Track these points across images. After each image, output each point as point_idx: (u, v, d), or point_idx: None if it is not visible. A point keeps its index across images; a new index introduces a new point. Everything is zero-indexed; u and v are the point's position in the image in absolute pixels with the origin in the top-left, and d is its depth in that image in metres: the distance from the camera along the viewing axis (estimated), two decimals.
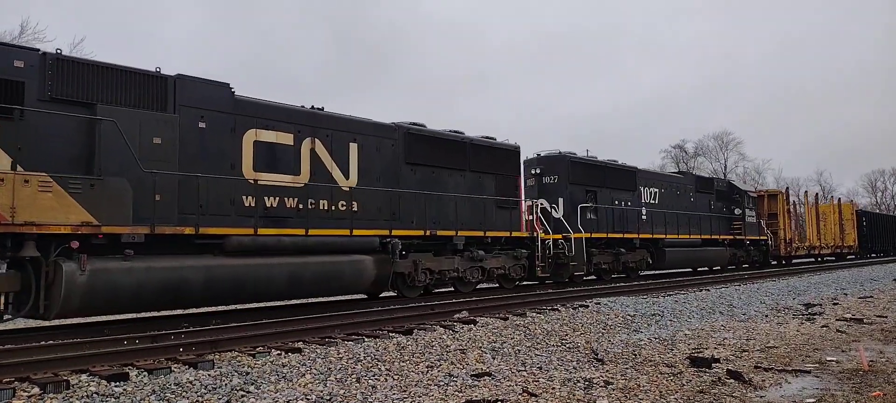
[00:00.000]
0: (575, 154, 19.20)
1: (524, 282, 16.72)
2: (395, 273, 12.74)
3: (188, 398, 5.56)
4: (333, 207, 11.94)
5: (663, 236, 21.21)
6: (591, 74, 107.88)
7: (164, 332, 8.18)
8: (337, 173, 12.29)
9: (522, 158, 18.28)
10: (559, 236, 17.24)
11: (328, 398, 5.68)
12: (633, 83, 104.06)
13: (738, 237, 25.96)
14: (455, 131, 15.32)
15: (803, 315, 12.44)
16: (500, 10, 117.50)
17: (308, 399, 5.60)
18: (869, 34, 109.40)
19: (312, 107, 12.33)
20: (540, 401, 5.81)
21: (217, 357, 7.01)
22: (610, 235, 19.07)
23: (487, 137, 16.13)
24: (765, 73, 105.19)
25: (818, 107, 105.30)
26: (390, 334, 8.61)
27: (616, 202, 19.80)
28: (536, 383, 6.50)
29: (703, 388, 6.39)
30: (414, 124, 14.28)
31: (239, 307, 11.71)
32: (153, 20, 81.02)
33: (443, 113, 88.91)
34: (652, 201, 21.51)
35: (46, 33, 29.85)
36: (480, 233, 14.78)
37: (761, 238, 28.17)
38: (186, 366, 6.55)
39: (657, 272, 22.28)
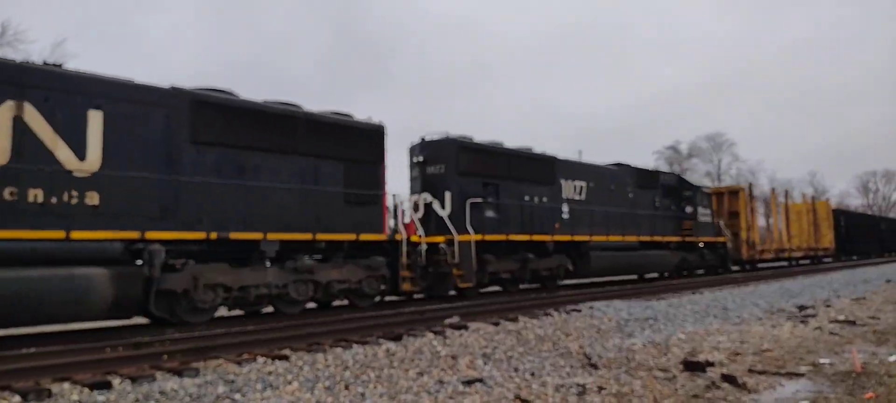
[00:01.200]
0: (470, 138, 15.69)
1: (387, 299, 13.54)
2: (161, 291, 9.68)
3: None
4: (55, 199, 8.72)
5: (588, 238, 17.83)
6: (595, 73, 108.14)
7: (147, 340, 8.05)
8: (64, 152, 8.90)
9: (408, 142, 15.68)
10: (441, 239, 14.10)
11: None
12: (639, 82, 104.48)
13: (688, 239, 22.70)
14: (287, 103, 11.84)
15: (797, 317, 12.41)
16: (503, 7, 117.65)
17: None
18: (879, 37, 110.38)
19: (46, 62, 9.25)
20: None
21: (202, 364, 6.88)
22: (511, 237, 15.63)
23: (339, 113, 12.64)
24: (770, 75, 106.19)
25: (819, 108, 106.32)
26: (379, 340, 8.48)
27: (526, 197, 16.39)
28: (529, 389, 6.40)
29: (697, 392, 6.31)
30: (210, 90, 10.89)
31: (225, 315, 11.55)
32: (141, 19, 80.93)
33: (445, 112, 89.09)
34: (577, 197, 18.15)
35: (28, 34, 29.45)
36: (307, 236, 11.41)
37: (718, 240, 24.88)
38: (171, 374, 6.42)
39: (580, 281, 18.99)
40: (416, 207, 14.44)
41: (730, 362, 7.95)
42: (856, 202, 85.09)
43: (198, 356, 7.20)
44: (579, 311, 11.75)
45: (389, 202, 13.34)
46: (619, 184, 20.30)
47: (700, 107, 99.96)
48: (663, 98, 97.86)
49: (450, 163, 15.04)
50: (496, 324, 9.97)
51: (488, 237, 14.92)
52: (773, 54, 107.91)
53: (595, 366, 7.60)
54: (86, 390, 5.73)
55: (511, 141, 18.22)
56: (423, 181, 15.16)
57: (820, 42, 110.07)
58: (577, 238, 17.54)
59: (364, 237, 12.29)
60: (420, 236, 13.63)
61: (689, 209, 22.97)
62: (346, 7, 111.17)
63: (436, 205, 14.47)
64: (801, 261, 34.72)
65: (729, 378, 6.74)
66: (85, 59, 44.64)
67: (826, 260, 37.44)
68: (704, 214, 23.85)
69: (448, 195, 14.67)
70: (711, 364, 7.50)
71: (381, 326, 9.60)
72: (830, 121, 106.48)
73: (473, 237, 14.34)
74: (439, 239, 14.08)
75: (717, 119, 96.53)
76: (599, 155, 20.66)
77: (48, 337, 9.06)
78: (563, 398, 6.05)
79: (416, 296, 14.23)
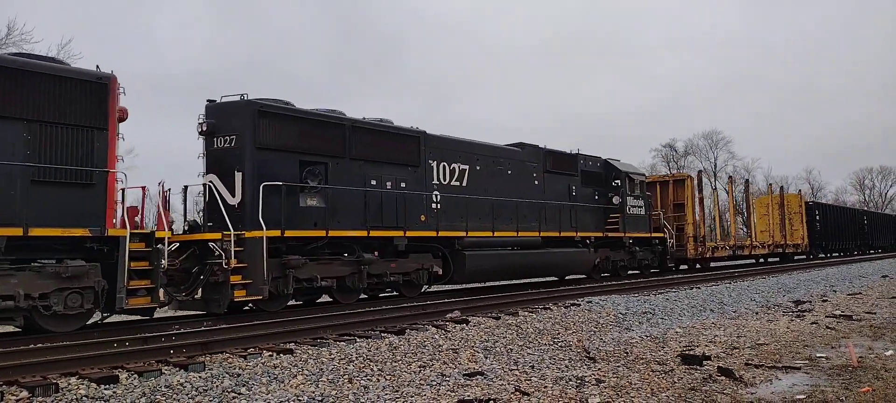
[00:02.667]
0: (285, 102, 12.14)
1: (106, 320, 9.83)
2: None
3: (179, 400, 5.53)
4: None
5: (462, 233, 14.18)
6: (600, 72, 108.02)
7: (154, 334, 8.14)
8: None
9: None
10: (215, 236, 10.57)
11: (320, 398, 5.67)
12: (640, 82, 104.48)
13: (612, 234, 19.20)
14: None
15: (793, 312, 12.53)
16: (509, 5, 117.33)
17: (300, 400, 5.59)
18: (876, 34, 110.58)
19: None
20: (532, 400, 5.82)
21: (208, 358, 7.00)
22: (335, 233, 11.88)
23: (32, 56, 9.49)
24: (769, 74, 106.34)
25: (816, 105, 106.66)
26: (382, 334, 8.61)
27: (373, 182, 12.78)
28: (529, 382, 6.50)
29: (694, 385, 6.41)
30: None
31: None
32: (147, 16, 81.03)
33: (447, 111, 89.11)
34: (454, 182, 14.62)
35: (34, 34, 29.42)
36: None
37: (654, 235, 21.34)
38: (177, 368, 6.53)
39: (454, 287, 15.86)
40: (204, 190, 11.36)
41: (726, 355, 8.05)
42: (852, 198, 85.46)
43: (204, 350, 7.30)
44: (578, 305, 11.88)
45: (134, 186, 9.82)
46: (521, 169, 16.77)
47: (700, 105, 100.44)
48: (667, 97, 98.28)
49: (244, 133, 11.29)
50: (496, 318, 10.09)
51: (291, 232, 11.23)
52: (773, 52, 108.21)
53: (593, 359, 7.71)
54: (93, 384, 5.82)
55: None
56: (210, 157, 11.57)
57: (818, 39, 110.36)
58: (447, 233, 13.90)
59: (37, 232, 8.38)
60: (168, 230, 10.09)
61: (616, 199, 19.57)
62: (354, 6, 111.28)
63: (222, 190, 11.02)
64: (769, 259, 31.80)
65: (726, 372, 6.83)
66: (89, 57, 44.55)
67: (798, 257, 34.18)
68: (636, 206, 20.34)
69: (239, 177, 11.11)
70: (708, 358, 7.60)
71: (383, 321, 9.72)
72: (827, 118, 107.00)
73: (266, 233, 10.62)
74: (214, 235, 10.62)
75: (716, 117, 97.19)
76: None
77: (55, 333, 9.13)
78: (563, 390, 6.14)
79: (158, 314, 10.50)
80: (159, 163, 42.49)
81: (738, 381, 6.58)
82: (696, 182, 25.03)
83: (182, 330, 8.58)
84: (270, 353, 7.24)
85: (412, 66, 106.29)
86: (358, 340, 8.13)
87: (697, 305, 12.99)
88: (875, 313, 12.27)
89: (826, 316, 11.73)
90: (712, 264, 26.33)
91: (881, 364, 7.44)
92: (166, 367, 6.55)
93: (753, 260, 30.73)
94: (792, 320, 11.36)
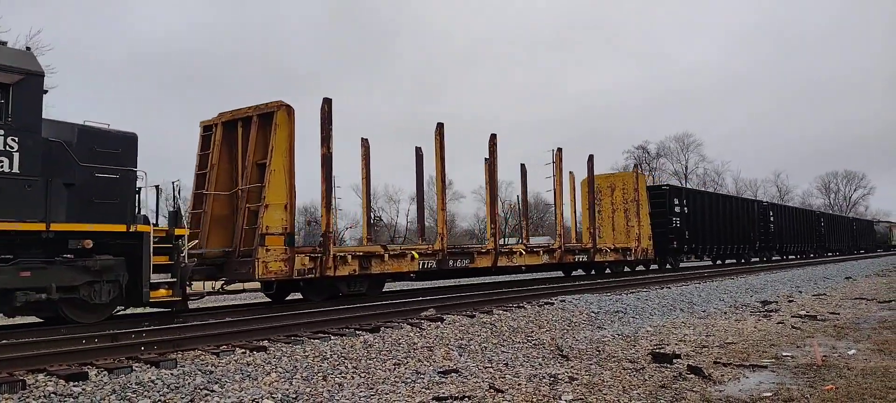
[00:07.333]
0: None
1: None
2: None
3: (150, 397, 5.46)
4: None
5: None
6: (606, 63, 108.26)
7: (124, 331, 8.02)
8: None
9: None
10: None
11: (294, 396, 5.64)
12: (651, 76, 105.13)
13: None
14: None
15: (760, 312, 12.79)
16: None
17: (273, 398, 5.55)
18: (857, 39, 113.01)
19: None
20: (506, 397, 5.86)
21: (180, 355, 6.91)
22: None
23: None
24: (777, 71, 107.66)
25: (790, 110, 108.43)
26: (357, 332, 8.58)
27: None
28: (503, 379, 6.55)
29: (664, 383, 6.51)
30: None
31: (204, 306, 11.52)
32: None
33: (437, 101, 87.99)
34: None
35: (2, 23, 28.63)
36: None
37: (76, 228, 8.58)
38: (148, 365, 6.43)
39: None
40: None
41: (696, 354, 8.18)
42: (818, 201, 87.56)
43: (175, 347, 7.21)
44: (552, 304, 11.97)
45: None
46: None
47: (706, 101, 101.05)
48: (673, 94, 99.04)
49: None
50: (471, 317, 10.12)
51: None
52: (789, 46, 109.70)
53: (566, 357, 7.79)
54: (61, 381, 5.71)
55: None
56: None
57: (820, 39, 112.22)
58: None
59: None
60: None
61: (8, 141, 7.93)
62: None
63: None
64: (579, 274, 21.32)
65: (695, 370, 6.95)
66: (68, 41, 43.53)
67: (639, 269, 23.44)
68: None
69: None
70: (678, 356, 7.73)
71: (358, 318, 9.69)
72: (797, 122, 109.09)
73: None
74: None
75: (719, 116, 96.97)
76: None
77: (22, 328, 8.95)
78: (536, 387, 6.20)
79: None
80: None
81: (708, 379, 6.70)
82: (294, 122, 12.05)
83: (152, 327, 8.47)
84: (243, 351, 7.17)
85: (403, 55, 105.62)
86: (332, 338, 8.10)
87: (668, 305, 13.19)
88: (838, 313, 12.58)
89: (792, 317, 11.99)
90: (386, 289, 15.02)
91: (844, 363, 7.63)
92: (137, 364, 6.46)
93: (522, 279, 20.28)
94: (759, 320, 11.60)
